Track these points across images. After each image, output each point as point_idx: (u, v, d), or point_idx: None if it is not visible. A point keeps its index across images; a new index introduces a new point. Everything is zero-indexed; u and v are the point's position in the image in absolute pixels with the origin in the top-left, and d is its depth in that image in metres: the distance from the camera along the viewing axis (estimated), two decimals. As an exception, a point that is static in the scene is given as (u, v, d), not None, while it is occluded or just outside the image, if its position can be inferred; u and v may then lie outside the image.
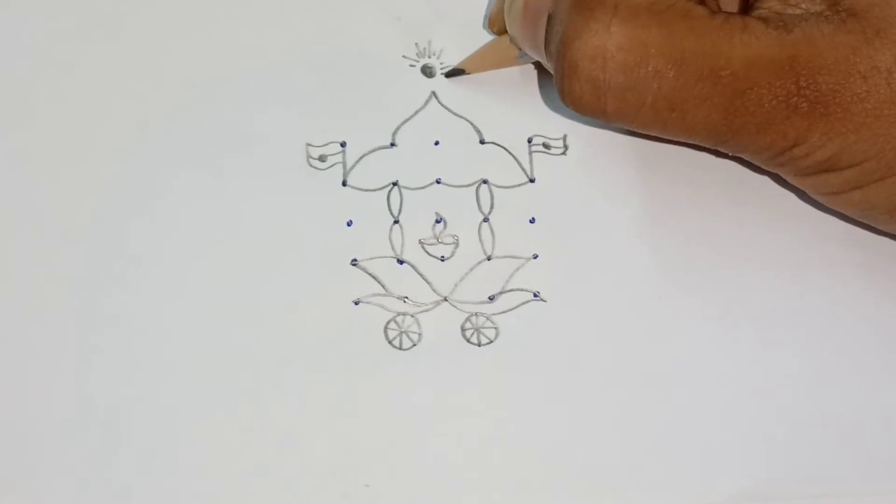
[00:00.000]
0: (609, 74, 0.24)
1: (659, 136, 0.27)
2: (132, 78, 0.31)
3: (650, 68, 0.24)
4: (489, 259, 0.29)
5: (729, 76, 0.24)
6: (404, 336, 0.28)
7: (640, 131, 0.27)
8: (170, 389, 0.28)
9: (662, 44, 0.24)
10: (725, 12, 0.25)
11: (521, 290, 0.29)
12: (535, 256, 0.29)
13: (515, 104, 0.31)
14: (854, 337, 0.28)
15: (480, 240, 0.29)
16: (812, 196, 0.28)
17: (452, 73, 0.31)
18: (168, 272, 0.29)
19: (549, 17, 0.26)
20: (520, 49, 0.29)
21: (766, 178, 0.30)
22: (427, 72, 0.32)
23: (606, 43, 0.24)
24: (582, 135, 0.31)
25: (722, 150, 0.26)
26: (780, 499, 0.27)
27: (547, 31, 0.26)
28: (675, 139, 0.27)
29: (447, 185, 0.30)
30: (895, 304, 0.28)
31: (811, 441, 0.27)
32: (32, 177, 0.30)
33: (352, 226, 0.29)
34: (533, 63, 0.31)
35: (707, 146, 0.26)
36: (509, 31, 0.29)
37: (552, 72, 0.26)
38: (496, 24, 0.31)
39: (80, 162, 0.30)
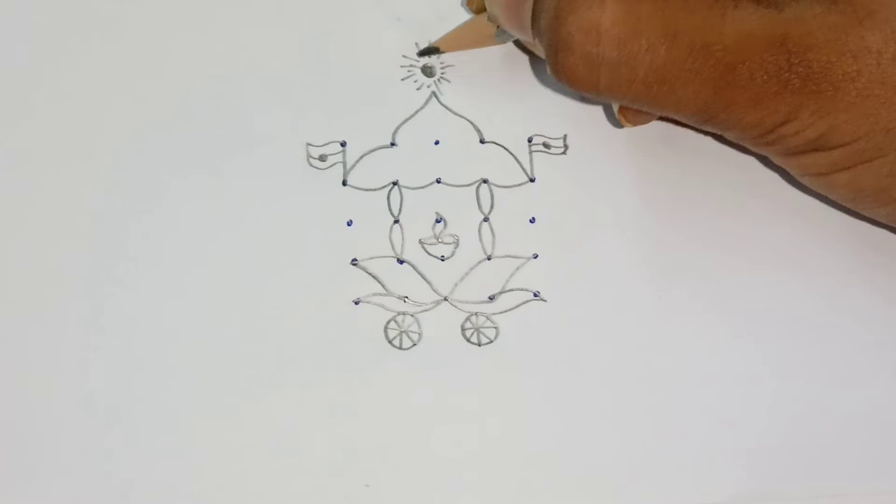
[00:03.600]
0: (603, 49, 0.24)
1: (648, 111, 0.27)
2: (132, 77, 0.31)
3: (643, 42, 0.24)
4: (489, 259, 0.29)
5: (720, 51, 0.24)
6: (404, 336, 0.28)
7: (629, 105, 0.27)
8: (170, 389, 0.28)
9: (655, 18, 0.24)
10: None
11: (521, 289, 0.29)
12: (535, 256, 0.29)
13: (516, 104, 0.31)
14: (854, 337, 0.28)
15: (480, 239, 0.29)
16: (798, 178, 0.28)
17: (426, 52, 0.31)
18: (168, 272, 0.29)
19: None
20: (497, 28, 0.29)
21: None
22: (427, 72, 0.32)
23: (601, 17, 0.24)
24: (582, 135, 0.31)
25: (710, 127, 0.26)
26: (780, 499, 0.27)
27: (535, 8, 0.26)
28: (665, 114, 0.27)
29: (447, 184, 0.30)
30: (894, 303, 0.28)
31: (810, 441, 0.27)
32: (32, 177, 0.30)
33: (352, 225, 0.29)
34: (513, 42, 0.31)
35: (695, 122, 0.26)
36: (489, 9, 0.29)
37: (541, 48, 0.26)
38: (475, 2, 0.31)
39: (80, 162, 0.30)
